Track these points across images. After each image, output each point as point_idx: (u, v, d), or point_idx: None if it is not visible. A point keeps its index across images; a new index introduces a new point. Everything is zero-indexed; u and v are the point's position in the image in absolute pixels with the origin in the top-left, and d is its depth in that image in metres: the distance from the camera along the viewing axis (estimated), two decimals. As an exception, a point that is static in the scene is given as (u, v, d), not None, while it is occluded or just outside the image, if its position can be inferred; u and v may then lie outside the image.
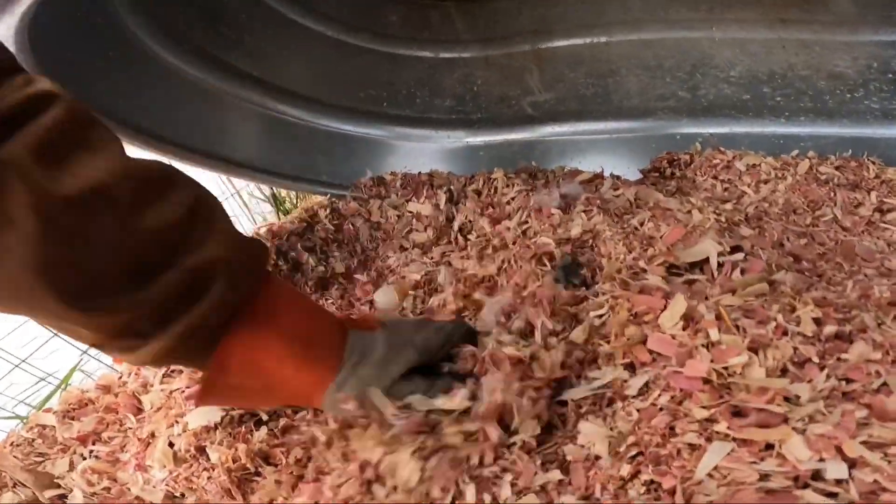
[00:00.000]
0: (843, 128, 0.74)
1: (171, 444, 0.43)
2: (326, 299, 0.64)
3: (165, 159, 0.66)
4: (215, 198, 0.29)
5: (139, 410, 0.49)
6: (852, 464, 0.28)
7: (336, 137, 0.81)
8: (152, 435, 0.45)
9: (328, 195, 0.79)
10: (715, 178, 0.65)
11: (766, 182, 0.63)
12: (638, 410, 0.31)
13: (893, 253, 0.56)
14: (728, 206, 0.57)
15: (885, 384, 0.32)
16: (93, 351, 0.70)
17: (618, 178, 0.67)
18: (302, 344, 0.30)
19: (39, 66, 0.43)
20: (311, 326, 0.31)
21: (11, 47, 0.39)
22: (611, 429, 0.32)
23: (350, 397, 0.31)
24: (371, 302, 0.62)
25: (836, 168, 0.67)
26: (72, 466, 0.45)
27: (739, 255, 0.42)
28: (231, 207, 0.87)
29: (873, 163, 0.69)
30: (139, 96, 0.58)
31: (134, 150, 0.62)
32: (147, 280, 0.25)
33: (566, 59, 0.85)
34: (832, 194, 0.61)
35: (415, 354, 0.33)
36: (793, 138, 0.73)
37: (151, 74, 0.60)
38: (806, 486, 0.27)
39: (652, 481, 0.28)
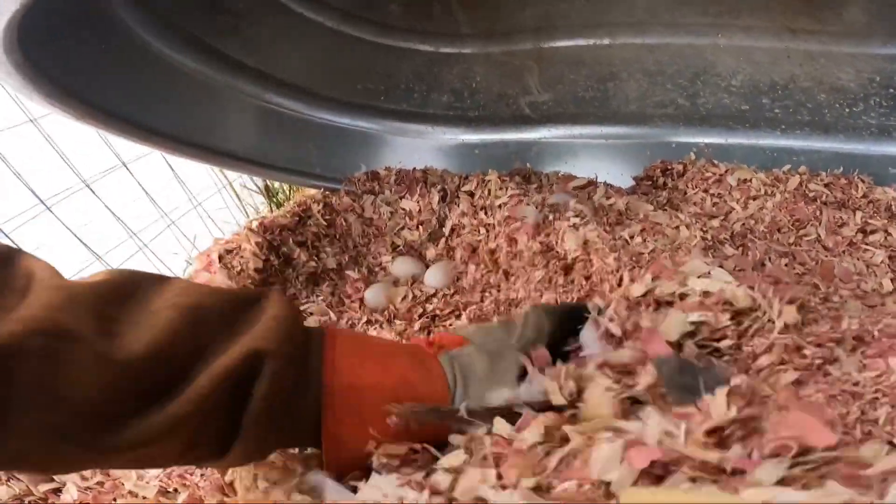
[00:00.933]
0: (838, 143, 0.74)
1: (164, 443, 0.43)
2: (317, 296, 0.65)
3: (158, 150, 0.66)
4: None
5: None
6: None
7: (330, 130, 0.80)
8: (147, 431, 0.45)
9: (322, 189, 0.79)
10: (706, 191, 0.66)
11: (755, 199, 0.63)
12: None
13: (871, 275, 0.57)
14: (715, 222, 0.58)
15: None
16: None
17: (610, 186, 0.67)
18: (405, 390, 0.27)
19: (28, 62, 0.42)
20: (403, 369, 0.28)
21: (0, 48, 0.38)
22: None
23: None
24: (361, 300, 0.63)
25: (826, 185, 0.67)
26: (66, 461, 0.45)
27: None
28: (223, 199, 0.87)
29: (862, 181, 0.69)
30: (131, 87, 0.57)
31: (125, 142, 0.62)
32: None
33: (567, 60, 0.84)
34: (818, 213, 0.62)
35: (518, 355, 0.29)
36: (786, 151, 0.74)
37: (143, 64, 0.59)
38: None
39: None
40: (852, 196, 0.67)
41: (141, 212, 0.78)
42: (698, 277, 0.41)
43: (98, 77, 0.53)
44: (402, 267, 0.66)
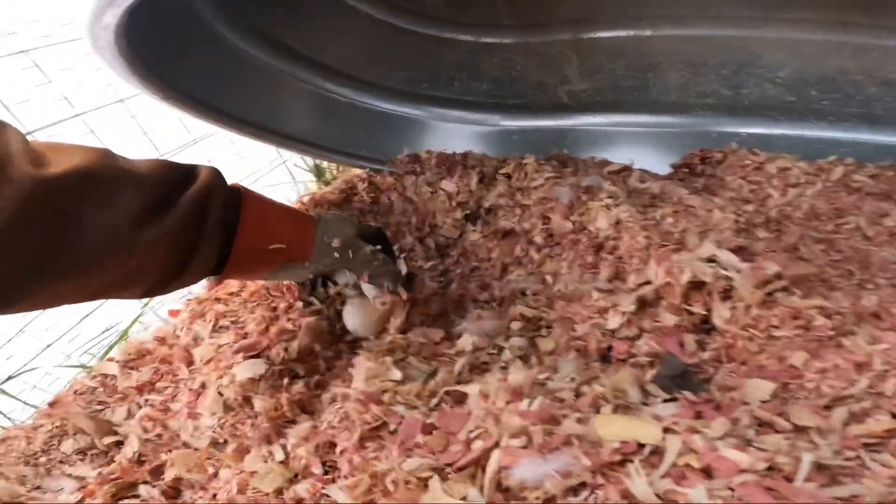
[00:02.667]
0: (887, 136, 0.72)
1: (220, 394, 0.45)
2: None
3: (225, 130, 0.73)
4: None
5: (190, 363, 0.52)
6: None
7: (376, 115, 0.85)
8: (203, 385, 0.48)
9: (366, 168, 0.84)
10: (744, 178, 0.66)
11: (795, 186, 0.63)
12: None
13: (914, 266, 0.56)
14: (750, 207, 0.58)
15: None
16: (152, 303, 0.78)
17: (646, 171, 0.69)
18: (286, 209, 0.46)
19: (129, 49, 0.48)
20: (282, 204, 0.47)
21: (111, 35, 0.45)
22: None
23: (338, 240, 0.46)
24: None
25: (871, 177, 0.66)
26: (129, 415, 0.47)
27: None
28: (277, 176, 0.94)
29: (912, 173, 0.68)
30: (206, 74, 0.64)
31: (196, 122, 0.69)
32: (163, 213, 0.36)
33: (607, 51, 0.85)
34: (860, 203, 0.61)
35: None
36: (833, 143, 0.72)
37: (216, 54, 0.66)
38: None
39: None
40: (899, 188, 0.66)
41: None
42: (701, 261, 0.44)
43: (180, 64, 0.60)
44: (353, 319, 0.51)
